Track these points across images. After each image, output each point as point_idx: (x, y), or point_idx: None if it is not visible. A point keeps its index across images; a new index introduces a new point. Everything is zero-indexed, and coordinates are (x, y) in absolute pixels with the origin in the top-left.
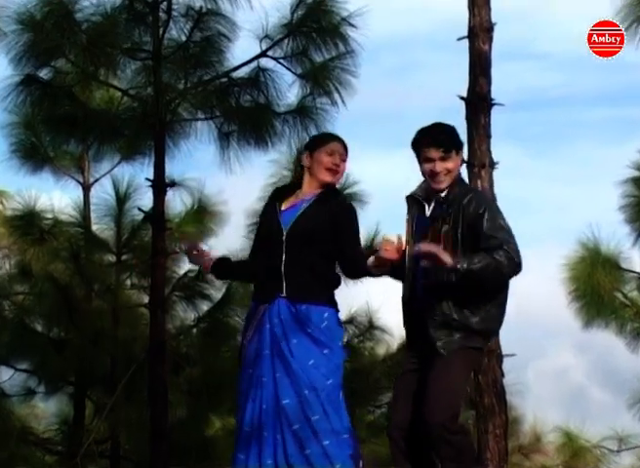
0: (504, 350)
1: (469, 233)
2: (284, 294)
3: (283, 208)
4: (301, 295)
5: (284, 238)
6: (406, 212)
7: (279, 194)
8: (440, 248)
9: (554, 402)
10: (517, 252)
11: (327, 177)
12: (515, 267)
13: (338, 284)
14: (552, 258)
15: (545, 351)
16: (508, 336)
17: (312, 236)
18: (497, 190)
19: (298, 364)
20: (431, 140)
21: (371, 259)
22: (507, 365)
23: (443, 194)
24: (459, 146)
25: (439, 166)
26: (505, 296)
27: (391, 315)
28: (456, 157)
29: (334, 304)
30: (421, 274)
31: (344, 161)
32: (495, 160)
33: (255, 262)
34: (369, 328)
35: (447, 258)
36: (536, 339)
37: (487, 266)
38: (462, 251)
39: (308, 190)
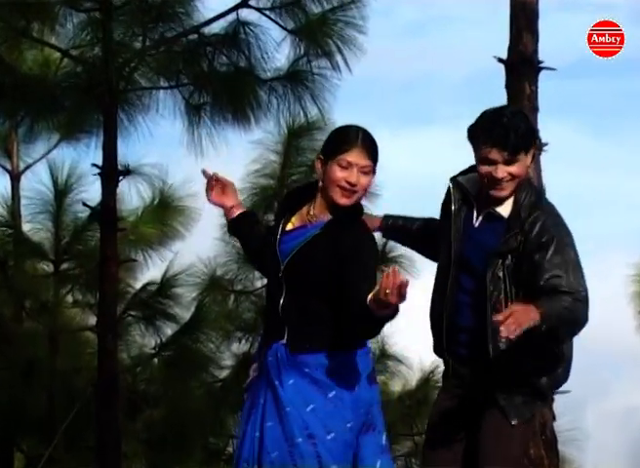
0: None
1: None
2: (284, 341)
3: (289, 227)
4: (303, 344)
5: (281, 274)
6: (450, 200)
7: (292, 201)
8: (521, 309)
9: (620, 451)
10: (587, 298)
11: (339, 199)
12: (586, 316)
13: (353, 327)
14: (617, 268)
15: (609, 387)
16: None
17: (314, 279)
18: (546, 179)
19: (293, 408)
20: (494, 139)
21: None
22: (560, 405)
23: (501, 209)
24: (530, 144)
25: (501, 171)
26: (572, 348)
27: (409, 340)
28: (524, 158)
29: (352, 348)
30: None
31: (367, 174)
32: (543, 140)
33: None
34: (380, 357)
35: (533, 316)
36: (596, 372)
37: (564, 317)
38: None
39: (319, 211)
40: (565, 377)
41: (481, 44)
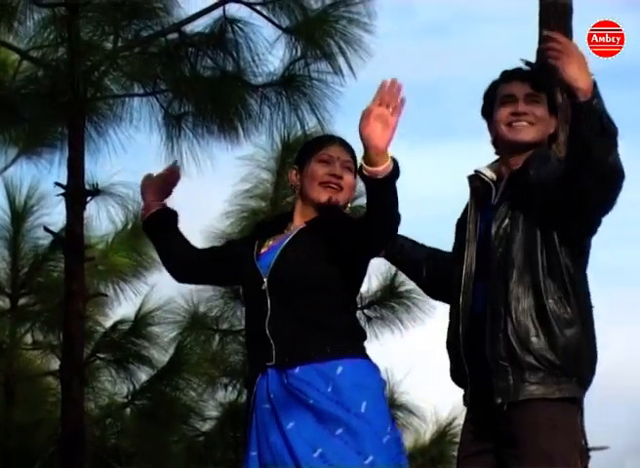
0: (592, 441)
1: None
2: (273, 363)
3: (263, 250)
4: (297, 357)
5: (265, 287)
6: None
7: (262, 231)
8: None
9: None
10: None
11: (322, 196)
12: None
13: (353, 330)
14: None
15: None
16: (596, 421)
17: (304, 275)
18: None
19: (297, 459)
20: (515, 73)
21: None
22: (597, 462)
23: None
24: (550, 89)
25: (522, 106)
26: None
27: (422, 388)
28: (546, 108)
29: (352, 355)
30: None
31: (351, 171)
32: None
33: (192, 249)
34: (389, 408)
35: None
36: (637, 424)
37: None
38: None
39: (299, 222)
40: (592, 362)
41: (508, 45)
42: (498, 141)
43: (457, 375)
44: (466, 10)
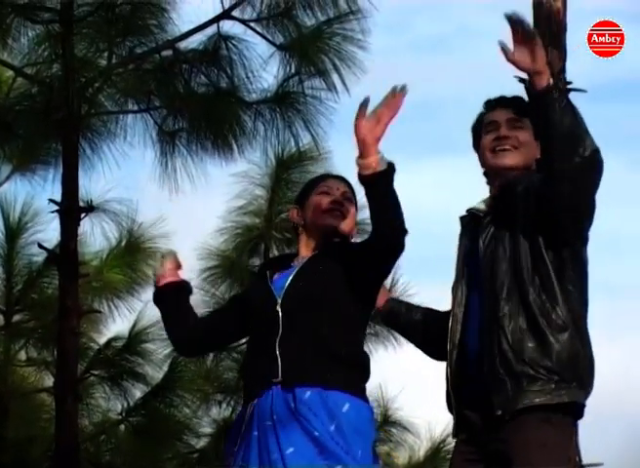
0: (586, 457)
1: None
2: (279, 379)
3: (274, 277)
4: (304, 377)
5: (279, 307)
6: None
7: (269, 266)
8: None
9: None
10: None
11: (330, 221)
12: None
13: (363, 364)
14: None
15: None
16: (591, 437)
17: (320, 294)
18: None
19: None
20: (497, 100)
21: None
22: None
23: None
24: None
25: (505, 131)
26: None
27: (416, 404)
28: (530, 133)
29: (358, 392)
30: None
31: (351, 201)
32: None
33: (201, 321)
34: (383, 423)
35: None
36: (635, 440)
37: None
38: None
39: (306, 253)
40: (589, 373)
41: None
42: (486, 170)
43: (449, 399)
44: (464, 25)
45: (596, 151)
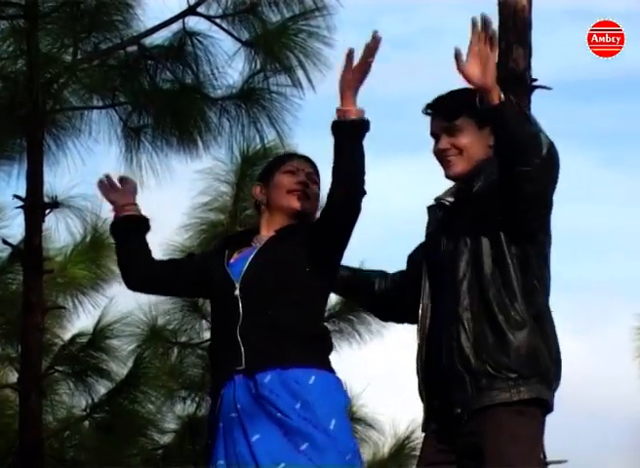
0: (550, 455)
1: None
2: (242, 367)
3: (232, 260)
4: (266, 362)
5: (237, 292)
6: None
7: (229, 244)
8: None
9: None
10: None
11: (293, 203)
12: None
13: (322, 337)
14: (621, 319)
15: (613, 456)
16: (556, 435)
17: (276, 279)
18: None
19: None
20: (431, 107)
21: None
22: None
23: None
24: (473, 109)
25: (443, 142)
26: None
27: (380, 400)
28: (471, 128)
29: (321, 364)
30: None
31: (315, 182)
32: None
33: (154, 259)
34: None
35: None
36: (597, 439)
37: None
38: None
39: (267, 232)
40: (556, 370)
41: None
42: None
43: (420, 391)
44: (430, 24)
45: (551, 145)
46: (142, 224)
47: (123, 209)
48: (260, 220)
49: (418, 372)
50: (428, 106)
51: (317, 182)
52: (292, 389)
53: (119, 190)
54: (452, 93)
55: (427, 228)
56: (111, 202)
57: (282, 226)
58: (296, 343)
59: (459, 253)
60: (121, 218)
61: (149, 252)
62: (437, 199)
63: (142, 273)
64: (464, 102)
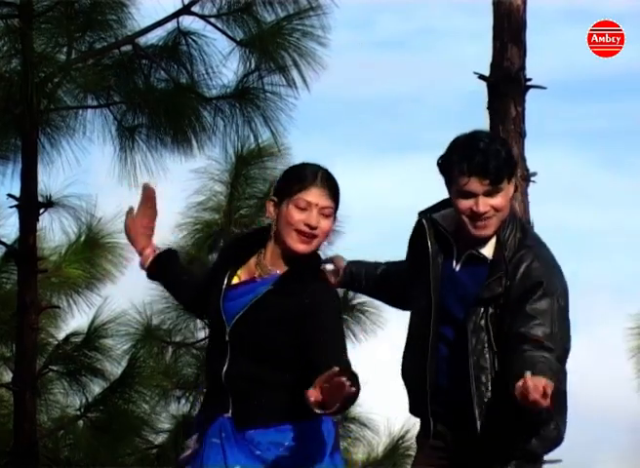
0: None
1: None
2: (229, 414)
3: (234, 281)
4: (253, 418)
5: (227, 337)
6: (419, 237)
7: (238, 250)
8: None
9: None
10: (565, 358)
11: (296, 245)
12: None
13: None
14: (614, 319)
15: (606, 456)
16: None
17: (266, 346)
18: (533, 214)
19: None
20: (473, 168)
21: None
22: None
23: (483, 250)
24: (512, 170)
25: (483, 204)
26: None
27: (375, 400)
28: (507, 188)
29: (312, 416)
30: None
31: (328, 217)
32: (530, 170)
33: (191, 289)
34: (341, 420)
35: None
36: (591, 440)
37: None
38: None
39: (271, 262)
40: (558, 437)
41: (464, 59)
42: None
43: (417, 411)
44: (427, 24)
45: (565, 373)
46: (170, 258)
47: (146, 258)
48: (269, 239)
49: (412, 380)
50: (471, 167)
51: (331, 215)
52: (278, 444)
53: (136, 222)
54: (497, 155)
55: (435, 255)
56: (131, 241)
57: (285, 271)
58: (284, 396)
59: (477, 328)
60: (149, 267)
61: (184, 281)
62: (433, 220)
63: (186, 301)
64: (511, 168)
